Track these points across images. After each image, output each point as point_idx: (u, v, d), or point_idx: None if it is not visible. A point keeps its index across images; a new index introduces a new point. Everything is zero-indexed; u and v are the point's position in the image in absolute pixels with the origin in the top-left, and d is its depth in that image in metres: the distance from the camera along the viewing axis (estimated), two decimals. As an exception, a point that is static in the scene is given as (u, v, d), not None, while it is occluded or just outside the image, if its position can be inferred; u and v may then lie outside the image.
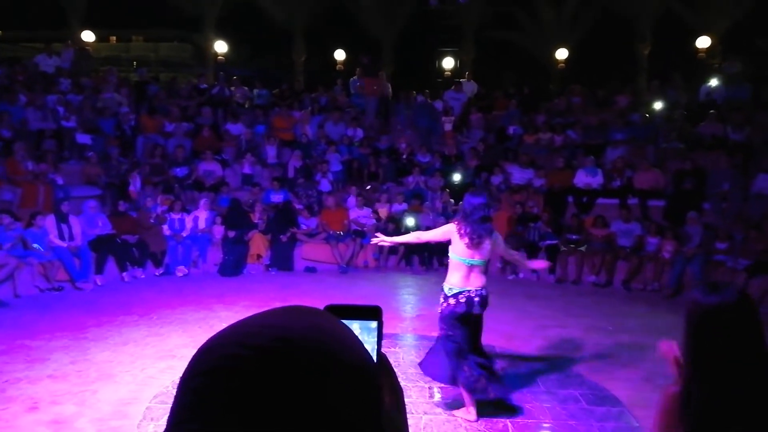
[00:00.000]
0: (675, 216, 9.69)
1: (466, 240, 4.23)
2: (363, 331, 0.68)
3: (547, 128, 12.75)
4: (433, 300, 8.16)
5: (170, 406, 0.51)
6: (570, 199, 10.82)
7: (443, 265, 9.81)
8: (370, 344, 0.67)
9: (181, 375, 0.55)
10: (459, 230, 4.27)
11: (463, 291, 4.24)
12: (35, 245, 8.27)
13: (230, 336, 0.55)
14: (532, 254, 9.73)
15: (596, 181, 10.81)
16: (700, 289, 1.60)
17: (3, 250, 7.91)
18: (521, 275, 9.80)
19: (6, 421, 4.23)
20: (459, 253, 4.28)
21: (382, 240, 4.85)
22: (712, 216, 9.69)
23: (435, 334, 6.51)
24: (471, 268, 4.25)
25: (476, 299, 4.24)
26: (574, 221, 10.07)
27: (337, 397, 0.52)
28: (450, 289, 4.30)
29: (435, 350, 4.61)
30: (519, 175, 11.38)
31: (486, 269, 4.36)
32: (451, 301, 4.27)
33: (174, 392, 0.53)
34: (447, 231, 4.39)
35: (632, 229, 9.68)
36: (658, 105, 13.33)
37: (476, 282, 4.27)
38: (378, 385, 0.57)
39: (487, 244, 4.26)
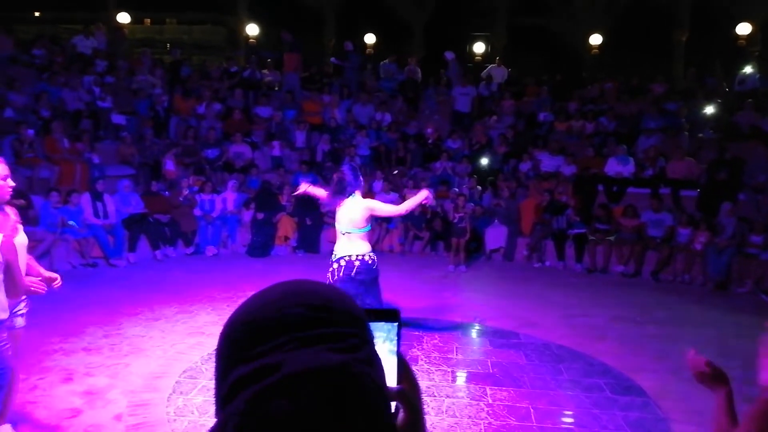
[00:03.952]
0: (708, 207, 9.51)
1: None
2: (386, 332, 0.73)
3: (579, 116, 12.58)
4: (458, 286, 8.20)
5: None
6: (600, 187, 10.67)
7: (471, 252, 9.83)
8: (393, 343, 0.72)
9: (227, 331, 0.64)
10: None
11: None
12: (71, 222, 8.50)
13: (280, 295, 0.65)
14: (560, 243, 9.70)
15: (627, 169, 10.63)
16: None
17: (44, 226, 8.16)
18: (547, 263, 9.74)
19: (43, 390, 4.40)
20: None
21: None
22: (747, 208, 9.48)
23: (459, 320, 6.57)
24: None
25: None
26: (603, 210, 9.93)
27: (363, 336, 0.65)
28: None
29: None
30: (548, 162, 11.25)
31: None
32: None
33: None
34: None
35: (663, 220, 9.52)
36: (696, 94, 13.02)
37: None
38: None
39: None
